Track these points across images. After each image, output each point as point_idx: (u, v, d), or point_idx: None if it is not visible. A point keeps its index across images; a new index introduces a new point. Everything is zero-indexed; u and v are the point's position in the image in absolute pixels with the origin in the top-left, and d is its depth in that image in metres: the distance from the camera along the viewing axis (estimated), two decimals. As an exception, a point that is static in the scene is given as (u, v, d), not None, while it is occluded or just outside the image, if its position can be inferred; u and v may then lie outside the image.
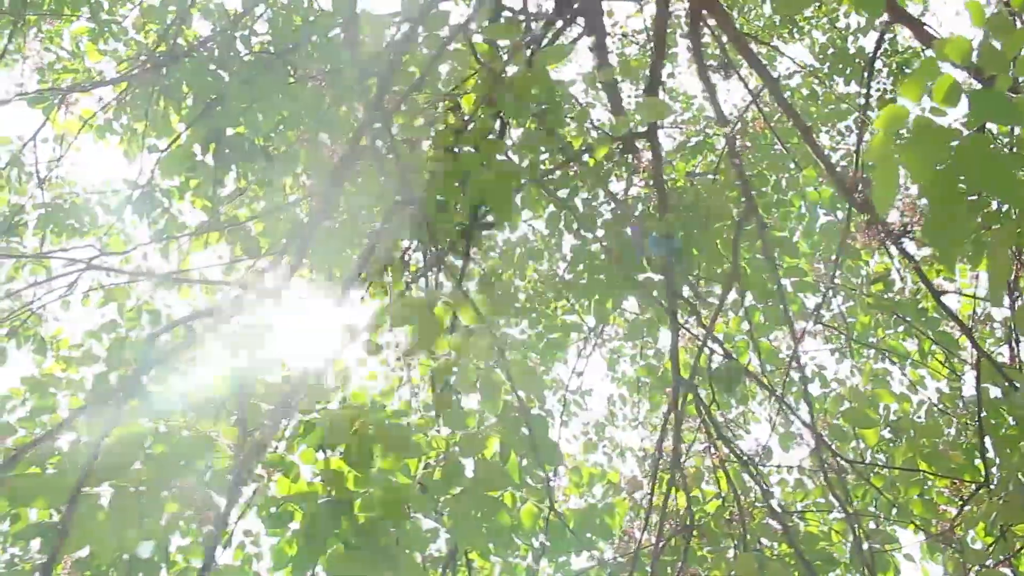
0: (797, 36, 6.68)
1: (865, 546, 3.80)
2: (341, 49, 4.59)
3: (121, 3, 5.91)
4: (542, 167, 4.36)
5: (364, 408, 2.98)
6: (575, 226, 4.97)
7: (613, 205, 4.85)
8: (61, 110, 5.45)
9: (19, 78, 5.94)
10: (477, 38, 3.78)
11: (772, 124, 4.70)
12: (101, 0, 5.84)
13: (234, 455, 2.90)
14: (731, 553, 3.80)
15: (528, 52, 3.94)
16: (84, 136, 5.91)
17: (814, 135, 4.69)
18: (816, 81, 6.06)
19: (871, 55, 4.79)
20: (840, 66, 5.79)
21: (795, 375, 4.63)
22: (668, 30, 7.21)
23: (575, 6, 4.70)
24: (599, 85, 7.11)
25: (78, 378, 4.84)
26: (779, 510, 4.00)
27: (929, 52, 4.41)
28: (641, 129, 4.16)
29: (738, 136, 4.22)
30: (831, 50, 5.99)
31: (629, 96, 6.76)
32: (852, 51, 5.80)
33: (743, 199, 3.87)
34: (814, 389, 5.51)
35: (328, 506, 2.82)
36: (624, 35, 7.17)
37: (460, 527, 3.09)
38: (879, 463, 4.13)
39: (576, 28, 5.30)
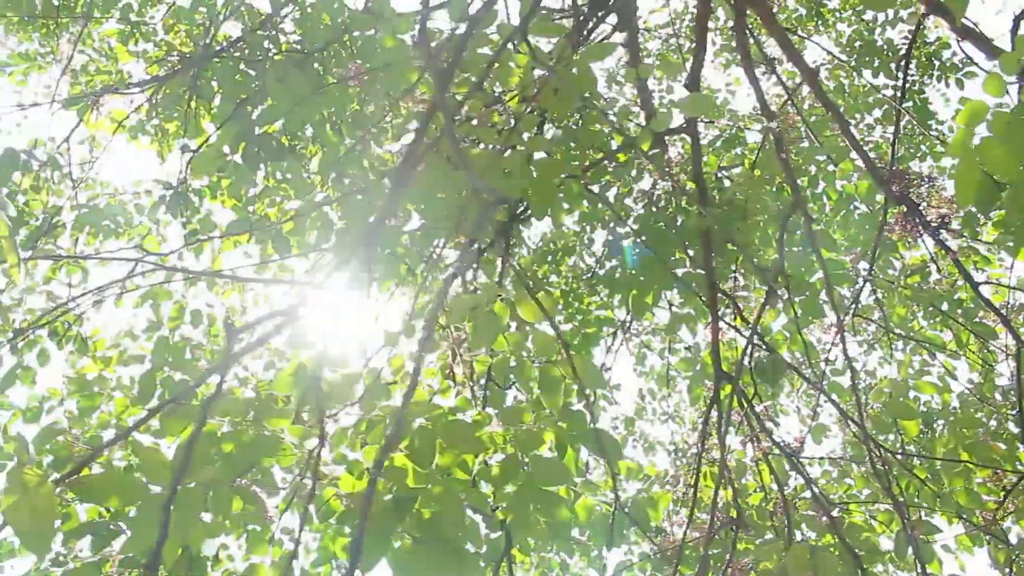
0: (822, 29, 6.68)
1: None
2: (401, 47, 4.60)
3: (151, 4, 5.94)
4: (576, 163, 4.38)
5: (424, 404, 3.01)
6: (609, 222, 4.99)
7: (646, 200, 4.88)
8: (94, 112, 5.48)
9: (50, 81, 5.97)
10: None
11: (805, 118, 4.71)
12: (131, 2, 5.87)
13: (300, 453, 2.94)
14: (774, 544, 3.81)
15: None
16: (116, 137, 5.95)
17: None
18: (843, 74, 6.06)
19: (906, 47, 4.79)
20: (868, 58, 5.79)
21: (832, 367, 4.65)
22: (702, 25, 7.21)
23: (610, 2, 4.71)
24: (622, 80, 7.14)
25: (115, 377, 4.88)
26: (823, 501, 4.02)
27: (965, 44, 4.38)
28: (673, 125, 4.17)
29: (785, 130, 4.23)
30: (858, 42, 5.98)
31: (653, 91, 6.77)
32: (880, 44, 5.79)
33: (791, 193, 3.88)
34: (845, 380, 5.55)
35: (393, 502, 2.84)
36: (647, 29, 7.18)
37: (518, 522, 3.12)
38: (923, 454, 4.15)
39: (601, 24, 5.32)
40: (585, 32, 4.87)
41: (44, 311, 5.45)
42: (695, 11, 4.79)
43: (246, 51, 5.87)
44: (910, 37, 4.66)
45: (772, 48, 7.19)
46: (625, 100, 6.47)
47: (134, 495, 2.61)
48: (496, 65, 3.48)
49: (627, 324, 6.03)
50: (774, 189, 4.25)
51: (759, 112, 4.55)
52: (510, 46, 3.20)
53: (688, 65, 4.79)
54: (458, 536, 2.89)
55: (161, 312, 4.85)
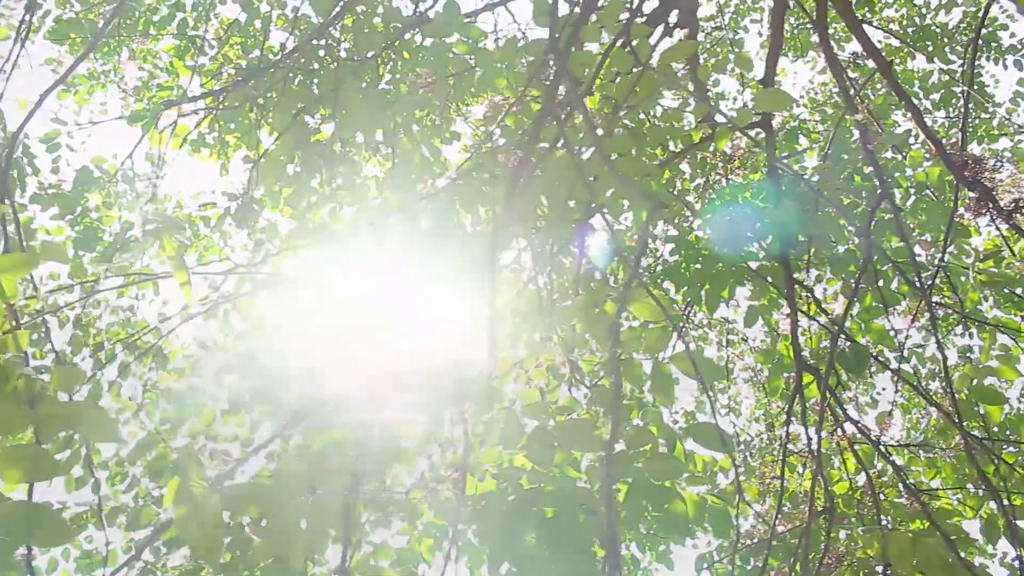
0: (869, 15, 6.66)
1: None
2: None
3: (206, 19, 6.01)
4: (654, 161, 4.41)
5: (537, 404, 3.05)
6: (678, 218, 5.02)
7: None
8: (160, 127, 5.55)
9: (109, 98, 6.08)
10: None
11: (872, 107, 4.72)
12: (187, 17, 5.95)
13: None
14: (874, 532, 3.83)
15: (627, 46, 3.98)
16: (177, 151, 6.03)
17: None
18: (896, 60, 6.05)
19: (976, 30, 4.79)
20: (923, 43, 5.78)
21: (913, 354, 4.66)
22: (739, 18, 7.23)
23: (674, -1, 4.73)
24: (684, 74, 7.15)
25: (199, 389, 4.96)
26: (913, 488, 4.04)
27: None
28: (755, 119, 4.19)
29: (869, 121, 4.24)
30: (911, 28, 5.98)
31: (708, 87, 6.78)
32: (936, 30, 5.79)
33: (876, 184, 3.90)
34: (908, 367, 5.55)
35: (517, 503, 2.89)
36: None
37: (631, 519, 3.16)
38: (1013, 439, 4.16)
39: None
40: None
41: (116, 323, 5.56)
42: (768, 5, 4.80)
43: (301, 59, 5.93)
44: (979, 19, 4.65)
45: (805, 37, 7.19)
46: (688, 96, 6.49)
47: (274, 503, 2.67)
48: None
49: (687, 317, 6.06)
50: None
51: (841, 103, 4.56)
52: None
53: (732, 55, 4.82)
54: (580, 535, 2.93)
55: (252, 321, 4.93)
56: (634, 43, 3.03)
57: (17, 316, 2.08)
